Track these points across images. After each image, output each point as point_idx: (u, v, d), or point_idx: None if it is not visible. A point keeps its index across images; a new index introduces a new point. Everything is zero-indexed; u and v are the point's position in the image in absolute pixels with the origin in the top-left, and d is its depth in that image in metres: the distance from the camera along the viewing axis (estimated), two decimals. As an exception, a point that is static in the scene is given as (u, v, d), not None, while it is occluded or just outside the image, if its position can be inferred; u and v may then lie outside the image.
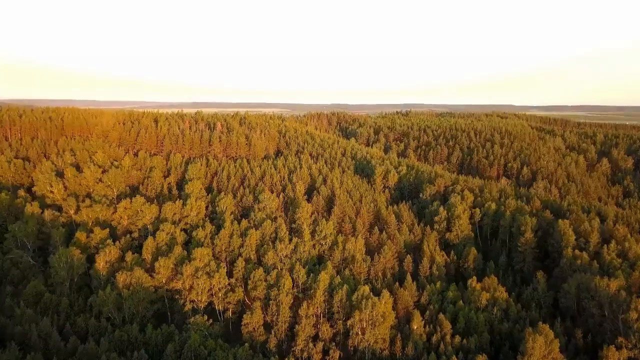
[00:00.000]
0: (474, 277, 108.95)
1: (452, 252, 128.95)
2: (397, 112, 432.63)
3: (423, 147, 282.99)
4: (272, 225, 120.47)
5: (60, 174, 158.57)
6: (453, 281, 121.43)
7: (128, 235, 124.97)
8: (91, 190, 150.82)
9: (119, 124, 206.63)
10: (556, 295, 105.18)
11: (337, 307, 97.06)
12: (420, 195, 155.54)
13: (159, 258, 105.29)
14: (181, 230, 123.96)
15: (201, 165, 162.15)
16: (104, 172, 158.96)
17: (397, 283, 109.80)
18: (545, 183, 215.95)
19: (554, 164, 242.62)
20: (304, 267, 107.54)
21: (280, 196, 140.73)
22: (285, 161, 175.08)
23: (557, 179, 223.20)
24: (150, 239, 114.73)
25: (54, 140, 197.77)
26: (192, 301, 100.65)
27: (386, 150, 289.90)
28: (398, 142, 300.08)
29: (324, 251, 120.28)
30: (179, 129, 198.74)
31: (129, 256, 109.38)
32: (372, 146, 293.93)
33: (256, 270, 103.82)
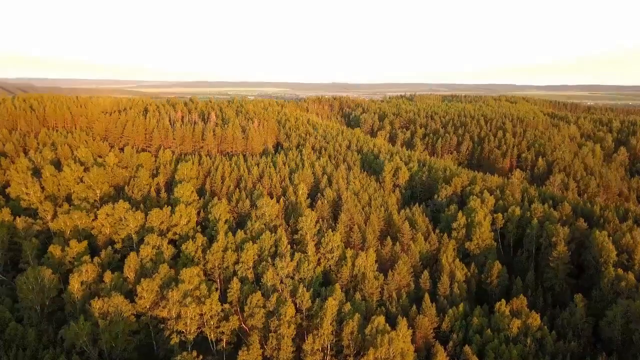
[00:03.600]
0: (503, 300, 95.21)
1: (472, 264, 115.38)
2: (401, 96, 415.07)
3: (431, 135, 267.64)
4: (271, 237, 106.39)
5: (38, 173, 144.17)
6: (474, 299, 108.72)
7: (109, 247, 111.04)
8: (71, 191, 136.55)
9: (105, 114, 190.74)
10: (597, 322, 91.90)
11: (348, 340, 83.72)
12: (435, 196, 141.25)
13: (142, 280, 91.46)
14: (169, 242, 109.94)
15: (193, 163, 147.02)
16: (86, 170, 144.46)
17: (414, 306, 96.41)
18: (563, 176, 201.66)
19: (570, 154, 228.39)
20: (308, 290, 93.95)
21: (281, 201, 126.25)
22: (286, 157, 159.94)
23: (574, 171, 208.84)
24: (133, 254, 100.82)
25: (35, 132, 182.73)
26: (179, 332, 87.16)
27: (392, 138, 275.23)
28: (404, 129, 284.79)
29: (330, 266, 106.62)
30: (169, 120, 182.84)
31: (107, 276, 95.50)
32: (376, 134, 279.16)
33: (253, 294, 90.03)
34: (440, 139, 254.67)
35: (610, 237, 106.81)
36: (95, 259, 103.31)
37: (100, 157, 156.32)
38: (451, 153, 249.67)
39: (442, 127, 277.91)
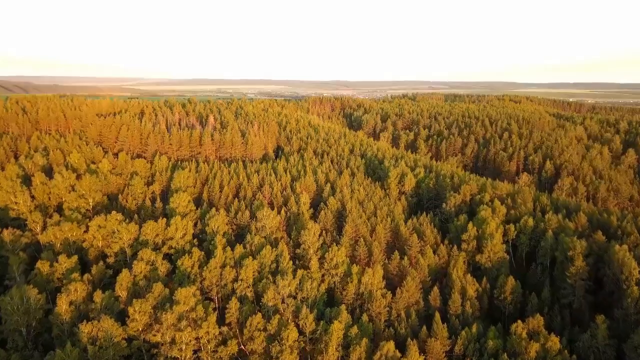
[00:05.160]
0: (519, 322, 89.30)
1: (484, 278, 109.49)
2: (403, 96, 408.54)
3: (435, 136, 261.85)
4: (272, 252, 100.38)
5: (28, 180, 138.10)
6: (487, 316, 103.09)
7: (101, 262, 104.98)
8: (62, 200, 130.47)
9: (100, 116, 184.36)
10: (620, 345, 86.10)
11: (355, 368, 77.90)
12: (443, 205, 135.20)
13: (134, 301, 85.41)
14: (164, 257, 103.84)
15: (189, 171, 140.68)
16: (78, 177, 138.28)
17: (424, 327, 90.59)
18: (571, 180, 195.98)
19: (577, 157, 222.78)
20: (311, 310, 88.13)
21: (282, 211, 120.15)
22: (287, 163, 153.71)
23: (583, 175, 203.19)
24: (125, 272, 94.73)
25: (27, 136, 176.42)
26: (173, 358, 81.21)
27: (394, 139, 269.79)
28: (407, 131, 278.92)
29: (334, 283, 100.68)
30: (166, 124, 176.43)
31: (98, 295, 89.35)
32: (379, 135, 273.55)
33: (253, 316, 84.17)
34: (444, 140, 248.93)
35: (632, 252, 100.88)
36: (86, 276, 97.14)
37: (93, 163, 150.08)
38: (456, 155, 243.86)
39: (446, 129, 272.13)
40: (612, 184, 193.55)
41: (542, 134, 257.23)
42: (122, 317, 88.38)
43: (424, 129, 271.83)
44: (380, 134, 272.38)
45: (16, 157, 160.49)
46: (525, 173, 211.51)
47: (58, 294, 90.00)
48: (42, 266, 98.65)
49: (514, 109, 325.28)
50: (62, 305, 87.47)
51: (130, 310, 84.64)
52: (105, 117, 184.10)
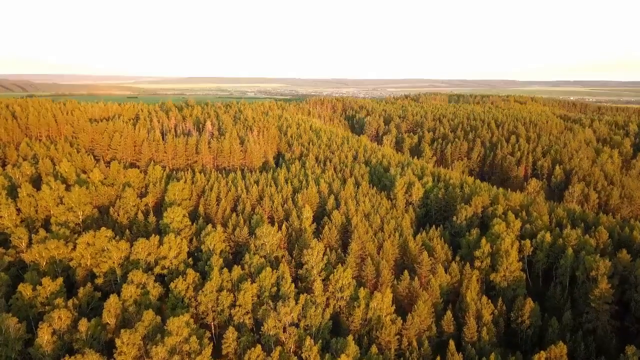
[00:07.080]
0: (542, 352, 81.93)
1: (499, 299, 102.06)
2: (406, 96, 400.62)
3: (439, 140, 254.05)
4: (272, 274, 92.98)
5: (15, 191, 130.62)
6: (503, 342, 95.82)
7: (89, 284, 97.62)
8: (50, 213, 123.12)
9: (93, 122, 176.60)
10: (653, 379, 78.71)
11: (364, 409, 70.64)
12: (454, 218, 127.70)
13: (122, 332, 78.15)
14: (156, 279, 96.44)
15: (185, 182, 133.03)
16: (67, 188, 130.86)
17: (438, 357, 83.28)
18: (583, 186, 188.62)
19: (587, 161, 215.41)
20: (315, 341, 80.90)
21: (283, 227, 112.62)
22: (288, 172, 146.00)
23: (594, 181, 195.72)
24: (113, 297, 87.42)
25: (16, 142, 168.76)
26: (165, 398, 73.92)
27: (398, 143, 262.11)
28: (411, 133, 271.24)
29: (340, 307, 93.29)
30: (161, 130, 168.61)
31: (83, 324, 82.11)
32: (382, 138, 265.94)
33: (253, 349, 76.89)
34: (449, 144, 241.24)
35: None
36: (71, 301, 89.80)
37: (84, 172, 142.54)
38: (462, 160, 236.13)
39: (451, 132, 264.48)
40: (625, 191, 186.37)
41: (550, 137, 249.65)
42: (109, 348, 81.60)
43: (429, 132, 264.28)
44: (384, 137, 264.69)
45: (4, 166, 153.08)
46: (534, 179, 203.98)
47: (40, 323, 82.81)
48: (25, 290, 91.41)
49: (520, 110, 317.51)
50: (44, 336, 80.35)
51: (118, 342, 77.41)
52: (98, 123, 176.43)
